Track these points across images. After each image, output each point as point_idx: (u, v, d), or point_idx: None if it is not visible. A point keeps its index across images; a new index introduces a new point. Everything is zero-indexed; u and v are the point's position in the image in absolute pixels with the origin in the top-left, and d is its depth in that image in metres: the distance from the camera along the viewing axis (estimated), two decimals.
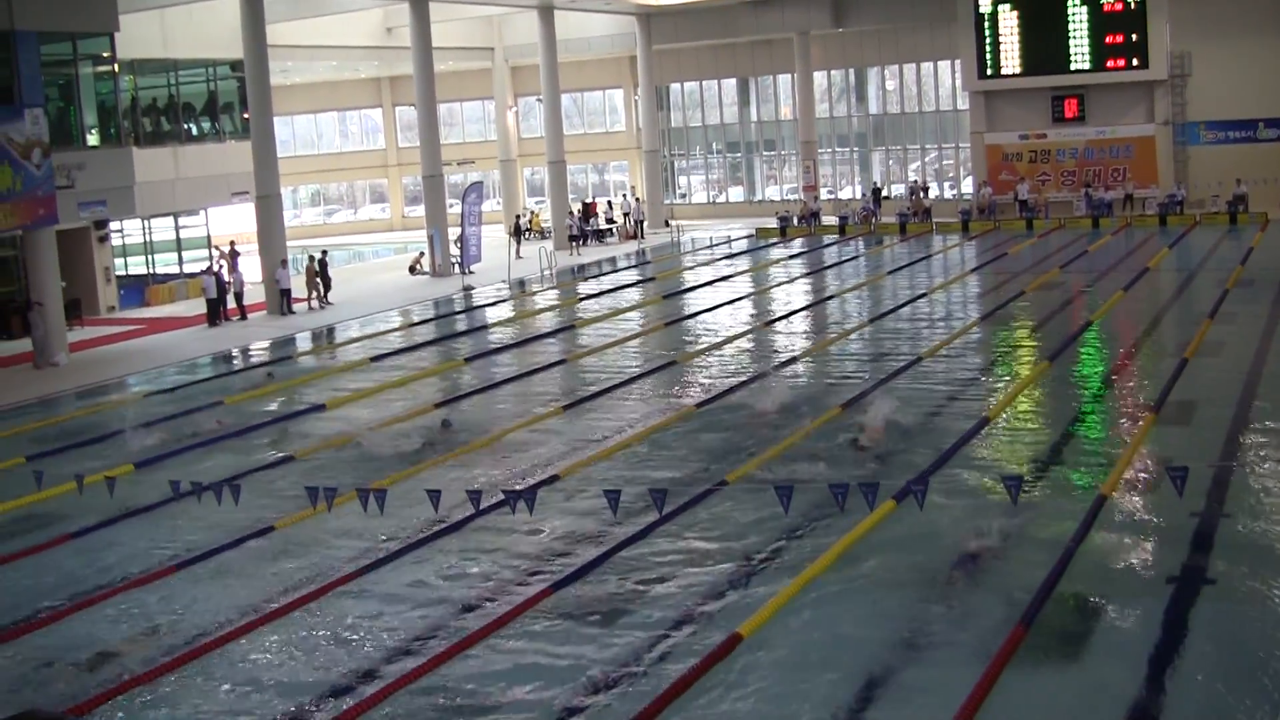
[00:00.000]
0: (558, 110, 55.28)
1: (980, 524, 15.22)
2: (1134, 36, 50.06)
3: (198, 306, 39.53)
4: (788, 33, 58.08)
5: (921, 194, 55.98)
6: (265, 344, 34.21)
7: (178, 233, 45.53)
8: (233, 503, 16.37)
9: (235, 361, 32.15)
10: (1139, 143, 51.60)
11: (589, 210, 57.13)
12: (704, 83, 63.41)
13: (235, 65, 42.85)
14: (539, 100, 57.21)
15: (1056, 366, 24.89)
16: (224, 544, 16.62)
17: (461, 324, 36.08)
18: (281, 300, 38.87)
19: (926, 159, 59.55)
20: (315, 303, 39.75)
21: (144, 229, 44.16)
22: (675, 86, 63.93)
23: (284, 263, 39.39)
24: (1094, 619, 12.85)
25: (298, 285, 40.23)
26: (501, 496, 16.15)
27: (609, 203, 60.99)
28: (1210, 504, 15.77)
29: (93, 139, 34.39)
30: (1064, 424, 21.00)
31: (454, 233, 47.50)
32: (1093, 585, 13.67)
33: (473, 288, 42.51)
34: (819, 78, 60.30)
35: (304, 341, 34.44)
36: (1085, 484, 17.30)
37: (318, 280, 40.00)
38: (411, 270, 47.59)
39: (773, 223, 55.14)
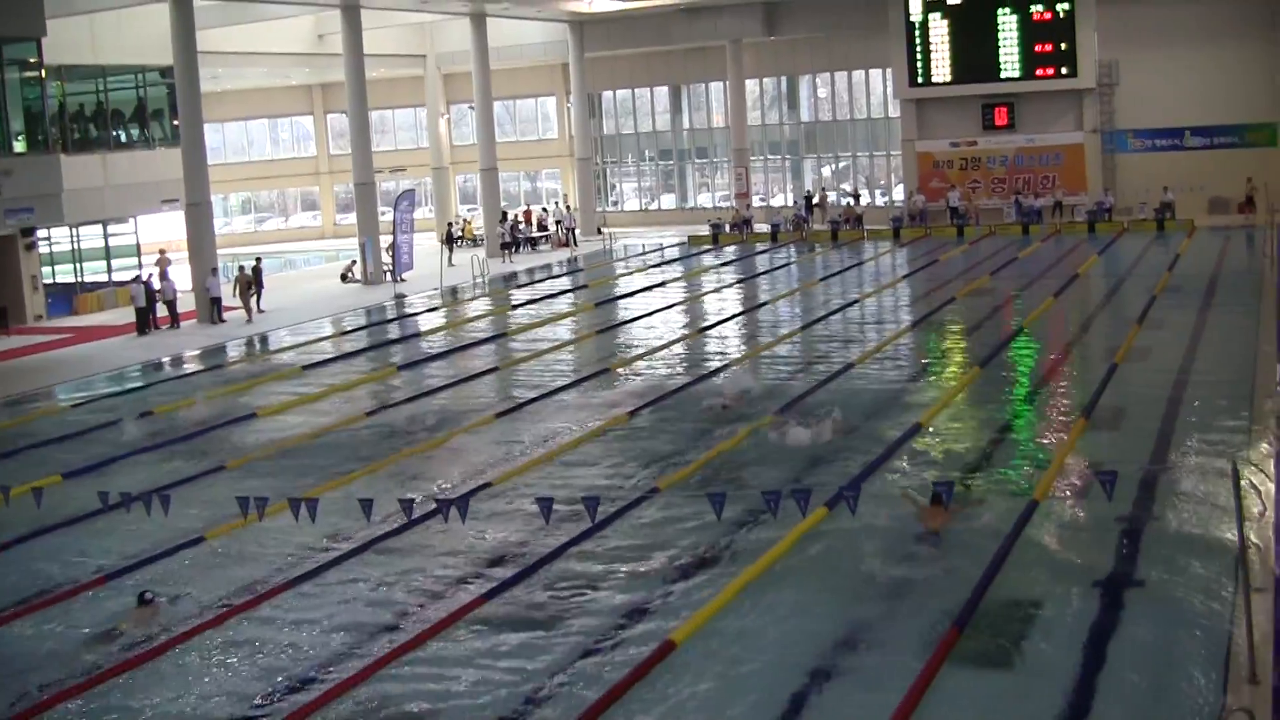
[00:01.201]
0: (490, 118, 55.20)
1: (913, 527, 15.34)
2: (1063, 45, 50.61)
3: (127, 315, 39.01)
4: (720, 40, 58.28)
5: (853, 201, 56.08)
6: (196, 352, 33.85)
7: (106, 241, 44.97)
8: (160, 512, 16.21)
9: (166, 369, 31.78)
10: (1068, 150, 52.20)
11: (512, 218, 56.34)
12: (636, 90, 63.53)
13: (165, 71, 42.44)
14: (471, 107, 57.10)
15: (988, 372, 25.08)
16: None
17: (394, 332, 35.91)
18: (212, 308, 38.46)
19: (857, 165, 59.90)
20: (252, 311, 38.92)
21: (72, 237, 43.60)
22: (608, 94, 64.00)
23: (214, 271, 38.99)
24: (1025, 622, 12.93)
25: (228, 293, 39.76)
26: (433, 505, 16.03)
27: (544, 209, 60.87)
28: (1139, 507, 15.94)
29: (19, 145, 33.84)
30: (995, 429, 21.17)
31: (386, 240, 47.26)
32: (1024, 588, 13.77)
33: (405, 295, 42.31)
34: (751, 85, 60.56)
35: (235, 349, 34.08)
36: (1017, 489, 17.43)
37: (251, 291, 39.25)
38: (343, 278, 47.25)
39: (705, 230, 55.25)
